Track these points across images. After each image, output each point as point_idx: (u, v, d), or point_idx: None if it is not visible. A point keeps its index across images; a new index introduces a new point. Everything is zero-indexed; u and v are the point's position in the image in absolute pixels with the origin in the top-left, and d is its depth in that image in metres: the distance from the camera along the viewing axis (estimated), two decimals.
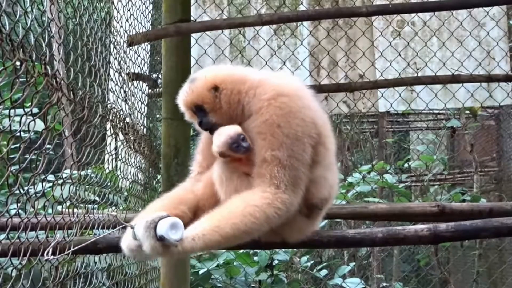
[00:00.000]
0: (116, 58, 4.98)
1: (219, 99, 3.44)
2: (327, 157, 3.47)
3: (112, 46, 4.86)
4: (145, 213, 3.39)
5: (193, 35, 6.66)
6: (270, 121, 3.26)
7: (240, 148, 3.33)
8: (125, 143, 5.10)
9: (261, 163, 3.27)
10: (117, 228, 3.53)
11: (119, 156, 4.97)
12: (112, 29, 4.93)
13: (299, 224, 3.48)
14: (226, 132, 3.38)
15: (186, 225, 3.26)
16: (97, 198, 4.73)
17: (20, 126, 2.80)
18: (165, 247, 3.04)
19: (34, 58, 2.85)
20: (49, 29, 3.19)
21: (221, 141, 3.37)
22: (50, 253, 3.08)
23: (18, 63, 2.71)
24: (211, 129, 3.52)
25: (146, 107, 6.68)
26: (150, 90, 7.36)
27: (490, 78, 7.32)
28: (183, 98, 3.55)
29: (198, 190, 3.56)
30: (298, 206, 3.31)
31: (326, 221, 9.26)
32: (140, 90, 6.40)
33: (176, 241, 3.02)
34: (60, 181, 3.50)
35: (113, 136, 4.88)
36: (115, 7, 5.24)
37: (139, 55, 6.16)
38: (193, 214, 3.46)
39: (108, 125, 4.65)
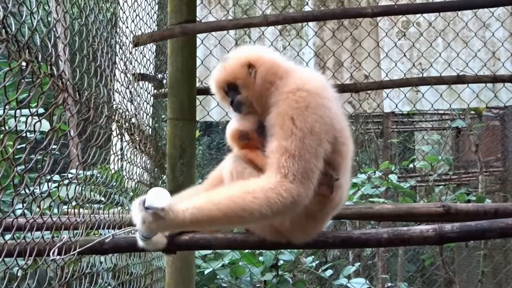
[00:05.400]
0: (121, 59, 4.98)
1: (254, 76, 3.44)
2: (343, 165, 3.43)
3: (117, 46, 4.87)
4: None
5: (198, 35, 6.67)
6: (283, 113, 3.23)
7: (263, 133, 3.37)
8: (130, 144, 5.11)
9: (269, 153, 3.23)
10: (121, 230, 3.54)
11: (125, 157, 4.98)
12: (118, 29, 4.94)
13: (306, 225, 3.45)
14: (253, 117, 3.47)
15: None
16: (102, 199, 4.74)
17: (26, 126, 2.81)
18: (155, 217, 3.07)
19: (40, 58, 2.85)
20: (54, 30, 3.19)
21: (249, 122, 3.47)
22: (56, 253, 3.09)
23: (24, 63, 2.72)
24: (241, 108, 3.53)
25: (151, 108, 6.69)
26: (155, 91, 7.35)
27: (495, 79, 7.32)
28: (215, 77, 3.56)
29: (208, 183, 3.58)
30: (308, 201, 3.20)
31: (331, 221, 9.27)
32: (146, 90, 6.41)
33: (162, 208, 3.05)
34: (66, 181, 3.51)
35: (119, 136, 4.88)
36: (121, 8, 5.24)
37: (144, 56, 6.16)
38: None
39: (114, 126, 4.66)
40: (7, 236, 3.26)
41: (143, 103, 5.94)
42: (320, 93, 3.32)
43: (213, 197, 3.10)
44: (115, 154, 5.00)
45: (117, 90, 4.87)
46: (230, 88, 3.51)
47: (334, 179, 3.39)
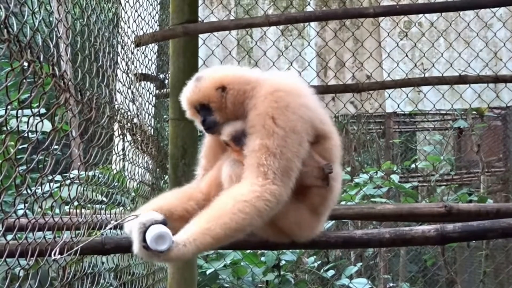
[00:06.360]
0: (123, 59, 4.98)
1: (225, 99, 3.45)
2: (336, 152, 3.52)
3: (119, 46, 4.87)
4: (151, 205, 3.41)
5: (200, 35, 6.66)
6: (263, 114, 3.25)
7: (241, 143, 3.38)
8: (132, 144, 5.11)
9: (249, 153, 3.25)
10: (122, 219, 3.51)
11: (127, 157, 4.98)
12: (120, 29, 4.94)
13: (311, 221, 3.49)
14: (234, 125, 3.46)
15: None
16: (104, 199, 4.74)
17: (27, 126, 2.80)
18: (153, 257, 3.04)
19: (41, 59, 2.85)
20: (56, 30, 3.19)
21: (228, 131, 3.46)
22: (57, 253, 3.09)
23: (25, 64, 2.72)
24: (213, 128, 3.53)
25: (153, 108, 6.69)
26: (157, 91, 7.36)
27: (497, 79, 7.30)
28: (187, 96, 3.55)
29: (204, 189, 3.56)
30: (287, 197, 3.23)
31: (333, 221, 9.28)
32: (148, 90, 6.41)
33: (160, 252, 2.98)
34: (68, 182, 3.51)
35: (121, 136, 4.89)
36: (123, 8, 5.24)
37: (146, 56, 6.16)
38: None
39: (116, 126, 4.66)
40: (9, 237, 3.27)
41: (145, 103, 5.94)
42: (297, 92, 3.39)
43: (209, 226, 3.05)
44: (117, 154, 5.01)
45: (119, 90, 4.87)
46: (202, 108, 3.52)
47: (326, 172, 3.42)
